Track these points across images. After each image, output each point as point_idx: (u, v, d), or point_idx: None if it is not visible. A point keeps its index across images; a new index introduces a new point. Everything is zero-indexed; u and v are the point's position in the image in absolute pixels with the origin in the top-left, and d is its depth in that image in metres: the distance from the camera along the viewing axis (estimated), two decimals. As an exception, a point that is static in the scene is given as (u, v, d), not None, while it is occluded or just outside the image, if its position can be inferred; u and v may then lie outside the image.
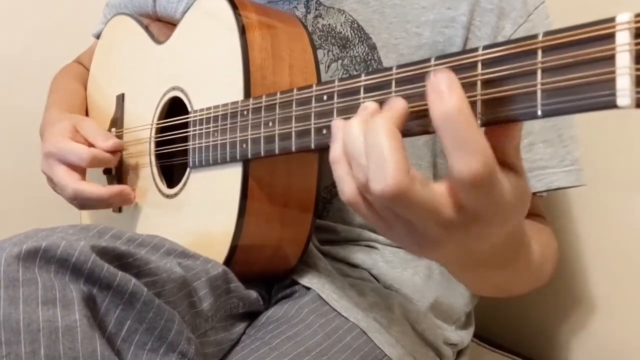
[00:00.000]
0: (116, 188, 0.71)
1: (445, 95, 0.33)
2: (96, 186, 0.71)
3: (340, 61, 0.70)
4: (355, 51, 0.69)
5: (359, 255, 0.71)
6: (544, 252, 0.56)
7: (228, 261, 0.60)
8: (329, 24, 0.70)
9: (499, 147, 0.35)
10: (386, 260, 0.71)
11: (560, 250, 0.65)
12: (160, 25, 0.85)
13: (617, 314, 0.77)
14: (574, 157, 0.65)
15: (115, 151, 0.73)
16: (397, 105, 0.37)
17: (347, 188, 0.39)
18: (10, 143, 1.13)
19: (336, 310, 0.62)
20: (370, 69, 0.68)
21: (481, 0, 0.65)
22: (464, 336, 0.73)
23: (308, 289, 0.64)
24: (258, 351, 0.57)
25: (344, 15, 0.70)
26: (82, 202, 0.72)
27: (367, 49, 0.69)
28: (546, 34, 0.32)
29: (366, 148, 0.36)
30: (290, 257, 0.65)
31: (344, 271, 0.70)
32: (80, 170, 0.72)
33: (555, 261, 0.63)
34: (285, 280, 0.67)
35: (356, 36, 0.69)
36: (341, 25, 0.69)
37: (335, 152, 0.39)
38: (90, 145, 0.72)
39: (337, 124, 0.40)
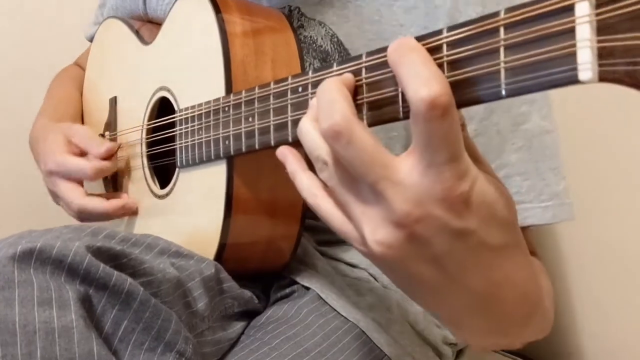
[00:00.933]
0: (119, 202, 0.72)
1: (402, 39, 0.35)
2: (99, 200, 0.72)
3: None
4: None
5: (356, 255, 0.70)
6: (546, 292, 0.50)
7: (219, 259, 0.60)
8: (311, 36, 0.68)
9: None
10: None
11: (560, 250, 0.64)
12: (151, 27, 0.85)
13: (616, 314, 0.76)
14: (554, 191, 0.61)
15: (111, 155, 0.73)
16: (345, 75, 0.40)
17: (306, 191, 0.39)
18: (5, 144, 1.14)
19: (335, 310, 0.61)
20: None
21: (459, 20, 0.62)
22: None
23: (307, 288, 0.64)
24: (257, 351, 0.57)
25: (324, 28, 0.68)
26: (86, 217, 0.72)
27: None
28: (508, 10, 0.31)
29: (317, 98, 0.37)
30: (283, 252, 0.64)
31: (343, 271, 0.69)
32: (80, 182, 0.73)
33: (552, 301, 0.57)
34: (284, 279, 0.67)
35: (336, 51, 0.67)
36: (322, 39, 0.68)
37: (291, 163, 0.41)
38: (84, 152, 0.73)
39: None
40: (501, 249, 0.37)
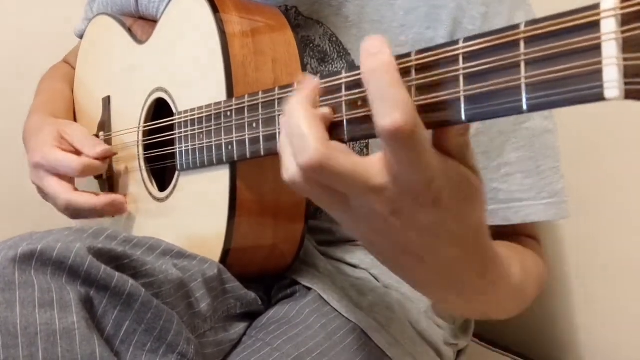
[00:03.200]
0: (108, 198, 0.70)
1: (375, 52, 0.34)
2: (88, 196, 0.70)
3: (318, 75, 0.68)
4: (333, 66, 0.66)
5: (357, 255, 0.70)
6: (526, 273, 0.54)
7: (222, 264, 0.59)
8: (308, 36, 0.67)
9: (438, 133, 0.36)
10: None
11: (559, 249, 0.64)
12: (143, 24, 0.83)
13: (616, 314, 0.77)
14: (554, 189, 0.61)
15: (105, 158, 0.71)
16: (308, 84, 0.40)
17: (286, 173, 0.40)
18: (5, 144, 1.13)
19: (337, 311, 0.61)
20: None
21: (463, 21, 0.61)
22: (463, 336, 0.72)
23: (309, 289, 0.64)
24: (259, 352, 0.57)
25: (322, 27, 0.67)
26: (75, 213, 0.71)
27: (346, 65, 0.66)
28: (528, 23, 0.30)
29: (288, 131, 0.38)
30: (286, 256, 0.64)
31: (344, 271, 0.69)
32: (70, 180, 0.71)
33: (541, 283, 0.60)
34: (285, 280, 0.66)
35: (335, 51, 0.66)
36: (320, 38, 0.67)
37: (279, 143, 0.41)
38: (78, 152, 0.71)
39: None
40: (459, 234, 0.39)
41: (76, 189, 0.71)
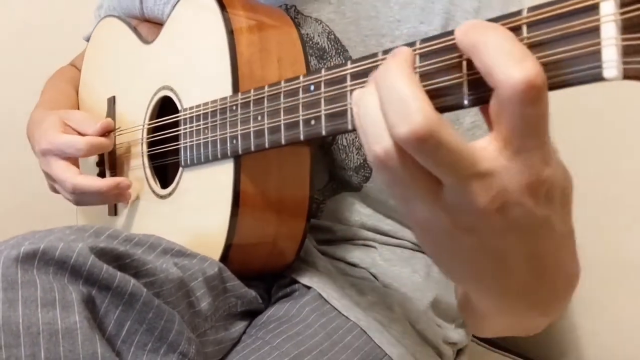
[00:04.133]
0: (113, 180, 0.71)
1: (472, 22, 0.31)
2: (94, 179, 0.71)
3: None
4: (332, 63, 0.67)
5: (357, 254, 0.70)
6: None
7: (224, 260, 0.59)
8: (307, 34, 0.68)
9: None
10: (385, 258, 0.70)
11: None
12: (149, 25, 0.84)
13: (616, 314, 0.77)
14: None
15: (107, 132, 0.73)
16: (402, 50, 0.34)
17: (370, 152, 0.34)
18: (6, 144, 1.13)
19: (337, 310, 0.61)
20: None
21: (456, 15, 0.62)
22: (463, 335, 0.72)
23: (308, 287, 0.64)
24: (259, 350, 0.57)
25: (321, 25, 0.68)
26: (80, 197, 0.71)
27: (344, 61, 0.67)
28: (530, 9, 0.31)
29: (381, 99, 0.32)
30: (287, 253, 0.64)
31: (343, 270, 0.69)
32: (77, 164, 0.72)
33: None
34: (285, 279, 0.67)
35: (333, 48, 0.67)
36: (318, 36, 0.68)
37: (356, 121, 0.35)
38: (81, 134, 0.72)
39: (355, 93, 0.35)
40: (564, 234, 0.36)
41: (82, 173, 0.72)
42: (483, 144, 0.31)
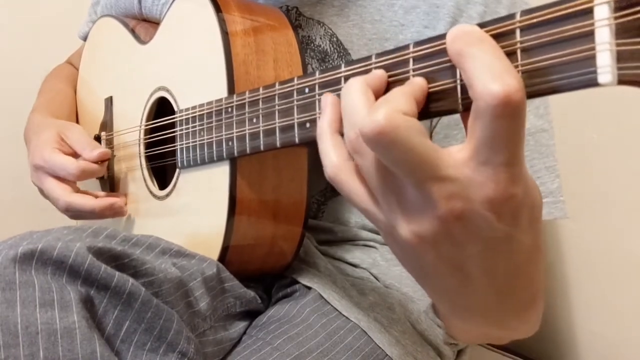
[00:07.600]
0: (107, 201, 0.71)
1: (463, 27, 0.32)
2: (88, 198, 0.70)
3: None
4: None
5: (357, 255, 0.70)
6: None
7: (221, 261, 0.59)
8: (309, 36, 0.68)
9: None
10: (385, 259, 0.70)
11: (559, 249, 0.64)
12: (146, 25, 0.84)
13: (616, 314, 0.77)
14: (548, 188, 0.60)
15: (103, 160, 0.72)
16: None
17: (328, 160, 0.36)
18: (5, 144, 1.13)
19: (337, 310, 0.61)
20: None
21: (460, 20, 0.62)
22: None
23: (309, 288, 0.64)
24: (260, 351, 0.57)
25: (323, 27, 0.67)
26: (75, 214, 0.71)
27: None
28: (524, 12, 0.31)
29: (344, 107, 0.35)
30: (285, 254, 0.64)
31: (344, 270, 0.69)
32: (70, 181, 0.71)
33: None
34: (286, 279, 0.66)
35: (335, 51, 0.67)
36: (320, 38, 0.67)
37: (319, 126, 0.38)
38: (77, 155, 0.72)
39: (323, 98, 0.39)
40: (530, 253, 0.36)
41: (78, 189, 0.72)
42: (451, 151, 0.32)
